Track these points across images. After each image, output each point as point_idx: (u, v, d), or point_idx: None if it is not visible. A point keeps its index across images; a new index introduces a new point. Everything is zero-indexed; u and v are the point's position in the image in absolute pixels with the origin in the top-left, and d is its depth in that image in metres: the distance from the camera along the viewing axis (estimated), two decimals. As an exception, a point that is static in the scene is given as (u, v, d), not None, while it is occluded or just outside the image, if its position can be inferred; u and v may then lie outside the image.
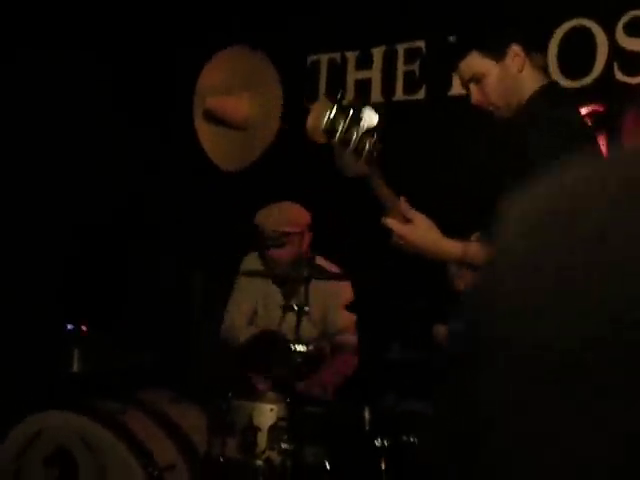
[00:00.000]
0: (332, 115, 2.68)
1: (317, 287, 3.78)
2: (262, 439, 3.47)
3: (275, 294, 4.15)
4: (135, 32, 5.09)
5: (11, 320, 4.36)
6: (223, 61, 5.14)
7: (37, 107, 4.74)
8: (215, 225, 4.90)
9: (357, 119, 2.70)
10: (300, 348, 3.48)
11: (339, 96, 2.72)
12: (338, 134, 2.67)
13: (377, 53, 4.91)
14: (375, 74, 4.93)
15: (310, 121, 2.70)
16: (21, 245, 4.61)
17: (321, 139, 2.69)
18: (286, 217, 4.05)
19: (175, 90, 5.15)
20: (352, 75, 4.99)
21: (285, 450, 3.45)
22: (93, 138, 4.92)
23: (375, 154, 2.75)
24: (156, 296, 4.75)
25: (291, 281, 4.02)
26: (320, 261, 4.02)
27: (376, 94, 4.89)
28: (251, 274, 4.19)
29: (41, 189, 4.73)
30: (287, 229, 4.01)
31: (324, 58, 5.06)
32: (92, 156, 4.89)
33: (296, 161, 4.69)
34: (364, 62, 4.95)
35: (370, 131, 2.73)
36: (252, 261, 4.20)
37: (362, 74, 4.97)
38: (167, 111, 5.14)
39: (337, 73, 5.00)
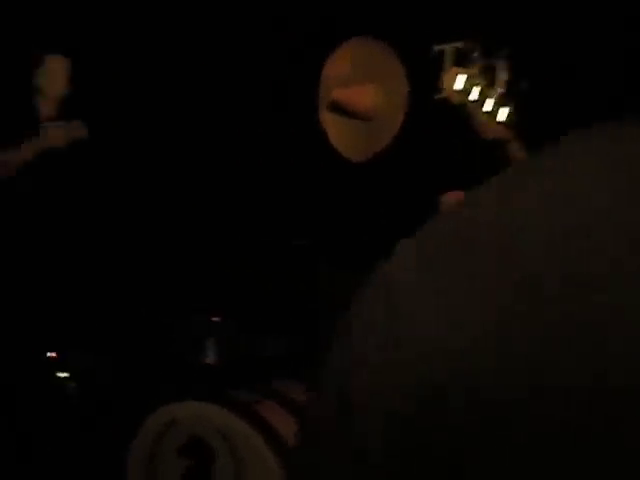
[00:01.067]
0: (467, 76, 2.71)
1: None
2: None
3: None
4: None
5: (145, 311, 4.43)
6: (347, 52, 5.13)
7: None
8: (341, 215, 4.90)
9: (492, 82, 2.72)
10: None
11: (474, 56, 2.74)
12: (472, 94, 2.69)
13: (502, 42, 4.83)
14: (501, 63, 4.85)
15: (445, 81, 2.73)
16: (150, 235, 4.68)
17: (456, 99, 2.72)
18: None
19: (297, 81, 5.16)
20: (477, 64, 4.92)
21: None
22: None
23: (511, 117, 2.75)
24: (287, 286, 4.76)
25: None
26: None
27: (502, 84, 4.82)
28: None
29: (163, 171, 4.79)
30: None
31: (449, 48, 5.00)
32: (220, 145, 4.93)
33: (424, 151, 4.67)
34: (489, 51, 4.88)
35: (506, 94, 2.75)
36: None
37: (487, 62, 4.90)
38: (290, 102, 5.15)
39: (462, 63, 4.94)
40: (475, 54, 4.82)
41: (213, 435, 3.58)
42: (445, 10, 4.90)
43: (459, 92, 2.72)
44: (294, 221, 4.99)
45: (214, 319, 3.88)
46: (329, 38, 5.06)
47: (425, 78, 4.87)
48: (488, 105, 2.75)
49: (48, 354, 4.20)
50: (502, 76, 2.80)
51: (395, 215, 4.64)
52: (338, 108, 5.04)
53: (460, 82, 2.73)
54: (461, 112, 3.00)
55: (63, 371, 4.18)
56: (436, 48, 4.94)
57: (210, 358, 3.85)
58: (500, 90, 2.76)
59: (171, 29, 4.89)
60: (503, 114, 2.79)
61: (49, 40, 3.97)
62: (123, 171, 4.68)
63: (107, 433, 3.98)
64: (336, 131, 5.11)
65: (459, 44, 4.88)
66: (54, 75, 3.76)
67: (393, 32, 4.98)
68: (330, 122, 5.10)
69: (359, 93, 5.03)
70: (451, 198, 4.15)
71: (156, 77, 4.79)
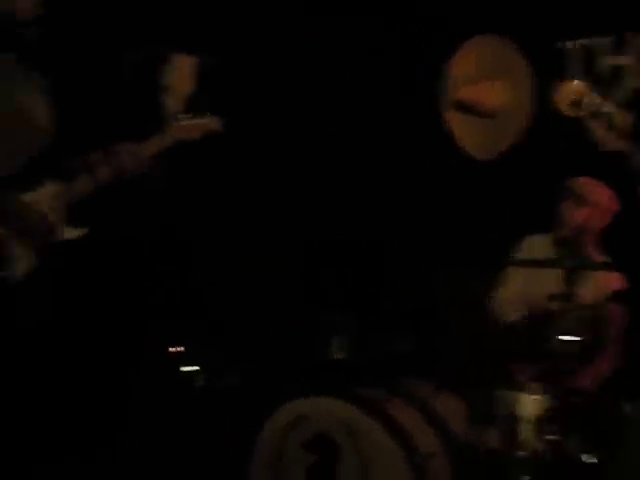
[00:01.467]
0: (582, 89, 2.63)
1: (586, 276, 3.69)
2: (526, 430, 3.42)
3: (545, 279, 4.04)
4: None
5: (272, 309, 4.45)
6: (472, 51, 5.10)
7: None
8: (466, 214, 4.87)
9: (608, 94, 2.64)
10: (573, 338, 3.40)
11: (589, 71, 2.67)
12: (587, 107, 2.62)
13: (632, 38, 4.73)
14: (630, 60, 4.75)
15: (560, 93, 2.66)
16: (281, 236, 4.71)
17: (570, 112, 2.65)
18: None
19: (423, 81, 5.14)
20: (604, 61, 4.82)
21: (550, 441, 3.39)
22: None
23: (629, 129, 2.67)
24: (413, 286, 4.73)
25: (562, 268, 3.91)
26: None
27: (630, 81, 4.71)
28: (524, 264, 4.11)
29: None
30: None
31: (575, 44, 4.92)
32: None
33: (549, 148, 4.61)
34: (617, 48, 4.78)
35: (625, 106, 2.66)
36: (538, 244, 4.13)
37: (615, 60, 4.80)
38: (416, 102, 5.13)
39: (588, 59, 4.85)
40: (603, 52, 4.74)
41: (339, 431, 3.58)
42: (571, 5, 4.82)
43: (574, 104, 2.64)
44: (419, 219, 4.96)
45: (341, 316, 3.88)
46: (454, 37, 5.03)
47: (549, 76, 4.83)
48: (606, 116, 2.66)
49: (176, 348, 4.25)
50: (630, 83, 2.70)
51: (518, 213, 4.58)
52: (464, 107, 5.01)
53: (575, 94, 2.64)
54: (577, 124, 2.92)
55: (192, 365, 4.23)
56: (562, 44, 4.88)
57: (337, 354, 3.84)
58: (620, 99, 2.66)
59: (299, 33, 4.92)
60: (624, 124, 2.70)
61: (177, 39, 4.02)
62: (260, 165, 4.72)
63: (234, 427, 4.00)
64: (462, 130, 5.07)
65: (586, 41, 4.82)
66: (182, 73, 3.81)
67: (517, 28, 4.93)
68: (456, 121, 5.07)
69: (485, 91, 5.00)
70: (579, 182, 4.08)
71: (287, 75, 4.82)
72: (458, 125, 5.09)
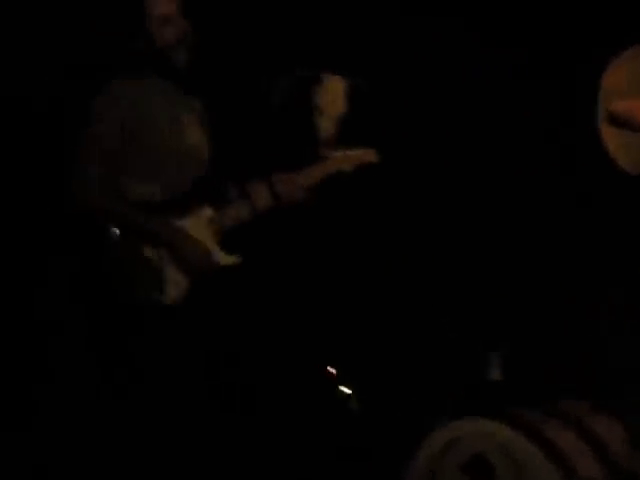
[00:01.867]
0: None
1: None
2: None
3: None
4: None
5: (425, 328, 4.46)
6: (625, 63, 4.99)
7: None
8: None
9: None
10: None
11: None
12: None
13: None
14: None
15: None
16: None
17: None
18: None
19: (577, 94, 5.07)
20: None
21: None
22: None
23: None
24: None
25: None
26: None
27: None
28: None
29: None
30: None
31: None
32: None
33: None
34: None
35: None
36: None
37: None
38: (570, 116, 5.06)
39: None
40: None
41: (495, 453, 3.54)
42: None
43: None
44: (575, 233, 4.88)
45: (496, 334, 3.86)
46: (607, 49, 4.95)
47: None
48: None
49: (330, 370, 4.29)
50: None
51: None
52: (617, 120, 4.91)
53: None
54: None
55: (346, 386, 4.26)
56: None
57: (494, 375, 3.82)
58: None
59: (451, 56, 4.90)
60: None
61: (328, 60, 4.06)
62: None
63: (389, 448, 4.01)
64: (616, 143, 4.98)
65: None
66: (333, 95, 3.84)
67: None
68: (610, 135, 4.98)
69: (638, 105, 4.89)
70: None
71: (439, 100, 4.81)
72: (611, 139, 5.00)
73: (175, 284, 3.36)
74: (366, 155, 3.74)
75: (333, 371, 4.33)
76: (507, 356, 4.07)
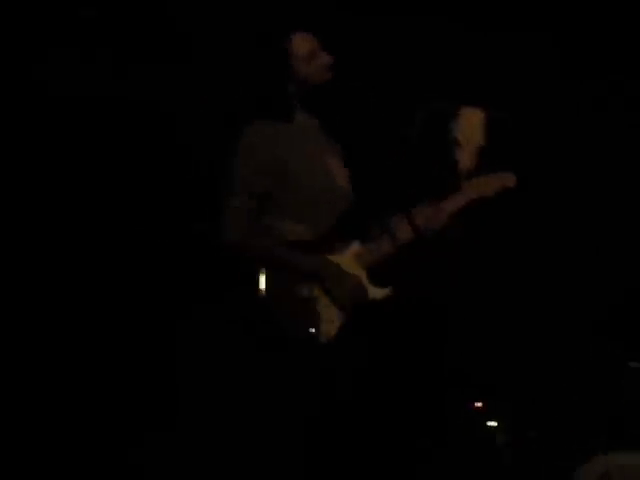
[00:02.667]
0: None
1: None
2: None
3: None
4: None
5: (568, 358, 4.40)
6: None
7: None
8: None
9: None
10: None
11: None
12: None
13: None
14: None
15: None
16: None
17: None
18: None
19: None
20: None
21: None
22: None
23: None
24: None
25: None
26: None
27: None
28: None
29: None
30: None
31: None
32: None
33: None
34: None
35: None
36: None
37: None
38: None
39: None
40: None
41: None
42: None
43: None
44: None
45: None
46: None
47: None
48: None
49: (476, 404, 4.26)
50: None
51: None
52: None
53: None
54: None
55: (492, 420, 4.22)
56: None
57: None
58: None
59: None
60: None
61: (466, 92, 4.06)
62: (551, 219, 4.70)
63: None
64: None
65: None
66: (470, 127, 3.84)
67: None
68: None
69: None
70: None
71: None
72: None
73: (329, 322, 3.38)
74: (506, 179, 3.73)
75: (479, 404, 4.30)
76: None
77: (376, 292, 3.48)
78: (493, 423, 4.29)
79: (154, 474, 4.04)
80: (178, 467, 4.07)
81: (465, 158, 3.81)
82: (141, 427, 4.18)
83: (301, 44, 3.54)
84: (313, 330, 3.34)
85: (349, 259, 3.48)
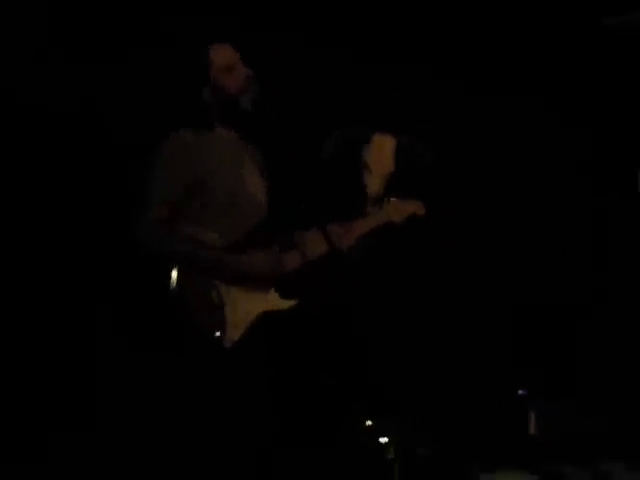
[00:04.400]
0: None
1: None
2: None
3: None
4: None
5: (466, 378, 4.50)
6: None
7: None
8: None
9: None
10: None
11: None
12: None
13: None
14: None
15: None
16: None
17: None
18: None
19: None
20: None
21: None
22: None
23: None
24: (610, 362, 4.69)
25: None
26: None
27: None
28: None
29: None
30: None
31: None
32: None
33: None
34: None
35: None
36: None
37: None
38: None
39: None
40: None
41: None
42: None
43: None
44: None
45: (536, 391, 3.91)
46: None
47: None
48: None
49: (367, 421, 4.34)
50: None
51: None
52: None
53: None
54: None
55: (383, 437, 4.30)
56: None
57: (533, 430, 3.85)
58: None
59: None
60: None
61: (377, 118, 4.17)
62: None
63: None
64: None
65: None
66: (381, 153, 3.92)
67: None
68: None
69: None
70: None
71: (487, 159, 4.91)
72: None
73: (234, 327, 3.44)
74: (416, 207, 3.83)
75: (369, 423, 4.38)
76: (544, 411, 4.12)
77: (281, 303, 3.56)
78: (384, 439, 4.37)
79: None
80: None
81: (374, 183, 3.89)
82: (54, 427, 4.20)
83: (221, 54, 3.61)
84: (218, 334, 3.39)
85: (257, 267, 3.55)
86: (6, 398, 4.27)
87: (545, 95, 5.11)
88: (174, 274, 3.42)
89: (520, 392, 4.12)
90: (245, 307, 3.47)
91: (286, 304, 3.56)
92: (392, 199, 3.81)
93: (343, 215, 3.83)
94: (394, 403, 4.58)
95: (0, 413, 4.26)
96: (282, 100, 4.11)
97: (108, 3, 4.65)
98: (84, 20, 4.59)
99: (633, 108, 5.10)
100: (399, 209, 3.80)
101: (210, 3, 4.74)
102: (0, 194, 4.45)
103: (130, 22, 4.64)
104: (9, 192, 4.45)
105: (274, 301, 3.54)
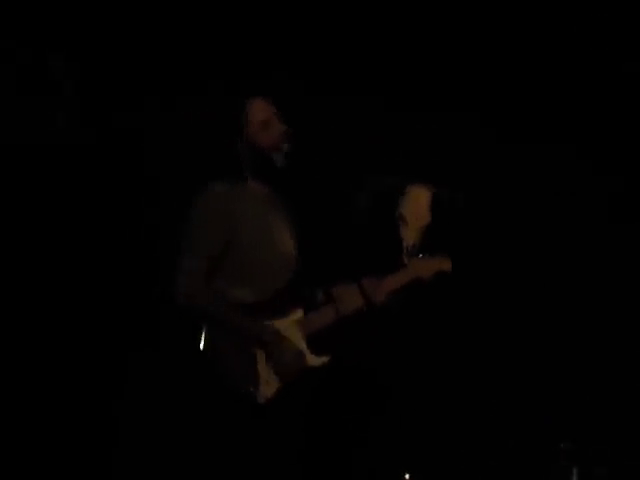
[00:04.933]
0: None
1: None
2: None
3: None
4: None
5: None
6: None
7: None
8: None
9: None
10: None
11: None
12: None
13: None
14: None
15: None
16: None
17: None
18: None
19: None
20: None
21: None
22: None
23: None
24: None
25: None
26: None
27: None
28: None
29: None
30: None
31: None
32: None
33: None
34: None
35: None
36: None
37: None
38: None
39: None
40: None
41: None
42: None
43: None
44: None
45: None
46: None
47: None
48: None
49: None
50: None
51: None
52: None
53: None
54: None
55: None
56: None
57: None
58: None
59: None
60: None
61: (414, 169, 4.15)
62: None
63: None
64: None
65: None
66: (417, 205, 3.91)
67: None
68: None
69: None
70: None
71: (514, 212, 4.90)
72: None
73: (267, 384, 3.41)
74: (443, 264, 3.82)
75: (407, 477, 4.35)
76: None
77: (314, 360, 3.53)
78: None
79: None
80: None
81: (409, 236, 3.87)
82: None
83: (257, 110, 3.60)
84: (252, 389, 3.36)
85: (290, 325, 3.53)
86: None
87: (576, 143, 5.09)
88: (205, 331, 3.43)
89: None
90: (282, 364, 3.44)
91: (319, 361, 3.53)
92: (420, 255, 3.79)
93: (379, 269, 3.81)
94: (431, 458, 4.53)
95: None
96: (315, 153, 4.10)
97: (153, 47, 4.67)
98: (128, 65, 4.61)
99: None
100: (429, 266, 3.79)
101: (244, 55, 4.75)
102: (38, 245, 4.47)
103: (173, 69, 4.66)
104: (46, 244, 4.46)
105: (307, 358, 3.51)
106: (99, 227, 4.53)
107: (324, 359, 3.54)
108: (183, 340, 3.63)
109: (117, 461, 4.30)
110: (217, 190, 3.52)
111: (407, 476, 4.40)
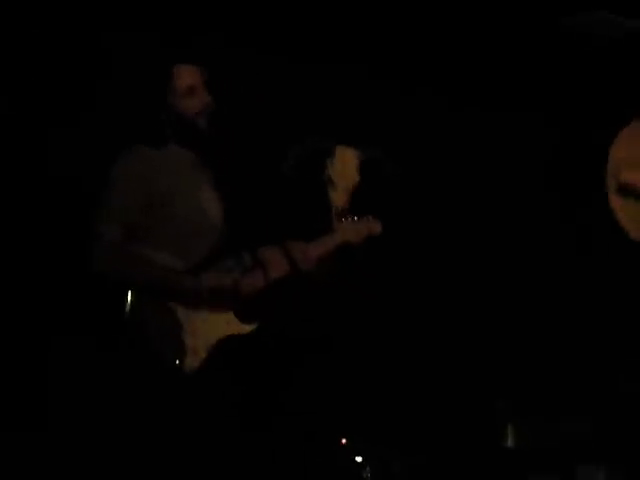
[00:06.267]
0: None
1: None
2: None
3: None
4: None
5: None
6: (634, 133, 5.03)
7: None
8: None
9: None
10: None
11: None
12: None
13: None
14: None
15: None
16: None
17: None
18: None
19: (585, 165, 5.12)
20: None
21: None
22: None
23: None
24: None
25: None
26: None
27: None
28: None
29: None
30: None
31: None
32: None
33: None
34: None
35: None
36: None
37: None
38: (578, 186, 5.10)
39: None
40: None
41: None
42: None
43: None
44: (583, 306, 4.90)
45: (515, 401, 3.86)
46: (615, 119, 5.00)
47: None
48: None
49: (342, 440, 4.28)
50: None
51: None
52: (627, 190, 4.92)
53: None
54: None
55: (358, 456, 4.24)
56: None
57: (511, 442, 3.79)
58: None
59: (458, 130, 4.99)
60: None
61: (341, 131, 4.11)
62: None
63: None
64: (625, 214, 4.99)
65: None
66: (344, 166, 3.86)
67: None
68: (619, 205, 5.00)
69: (648, 175, 4.90)
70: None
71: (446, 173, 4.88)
72: (620, 209, 5.01)
73: (194, 353, 3.36)
74: (372, 227, 3.76)
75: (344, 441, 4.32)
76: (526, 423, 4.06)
77: (242, 326, 3.47)
78: (359, 459, 4.31)
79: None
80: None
81: (338, 197, 3.82)
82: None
83: (182, 77, 3.53)
84: (178, 362, 3.30)
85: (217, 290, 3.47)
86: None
87: (511, 110, 5.09)
88: (129, 298, 3.35)
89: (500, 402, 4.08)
90: (205, 331, 3.38)
91: (247, 328, 3.47)
92: (347, 219, 3.72)
93: (308, 231, 3.76)
94: (366, 420, 4.51)
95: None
96: (239, 116, 4.04)
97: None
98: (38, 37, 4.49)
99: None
100: (358, 229, 3.73)
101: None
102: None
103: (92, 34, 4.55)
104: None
105: (234, 325, 3.45)
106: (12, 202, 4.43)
107: (252, 326, 3.49)
108: (107, 314, 3.57)
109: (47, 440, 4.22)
110: (137, 154, 3.46)
111: (343, 440, 4.39)
